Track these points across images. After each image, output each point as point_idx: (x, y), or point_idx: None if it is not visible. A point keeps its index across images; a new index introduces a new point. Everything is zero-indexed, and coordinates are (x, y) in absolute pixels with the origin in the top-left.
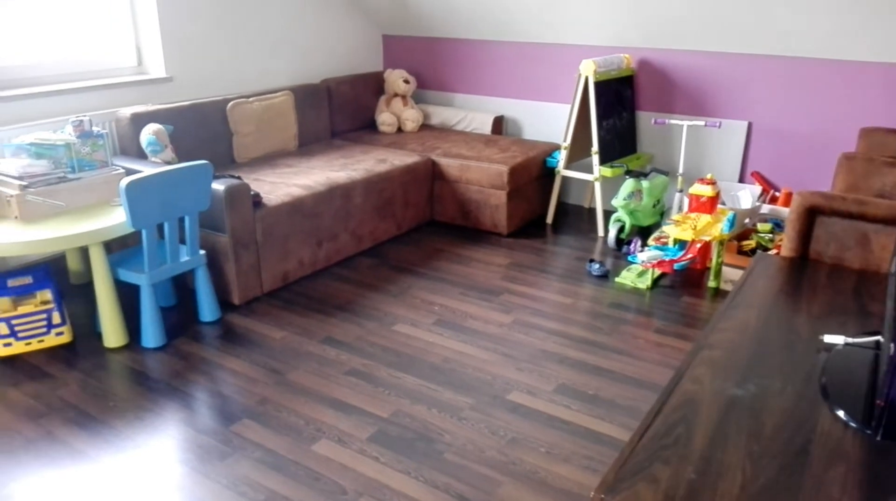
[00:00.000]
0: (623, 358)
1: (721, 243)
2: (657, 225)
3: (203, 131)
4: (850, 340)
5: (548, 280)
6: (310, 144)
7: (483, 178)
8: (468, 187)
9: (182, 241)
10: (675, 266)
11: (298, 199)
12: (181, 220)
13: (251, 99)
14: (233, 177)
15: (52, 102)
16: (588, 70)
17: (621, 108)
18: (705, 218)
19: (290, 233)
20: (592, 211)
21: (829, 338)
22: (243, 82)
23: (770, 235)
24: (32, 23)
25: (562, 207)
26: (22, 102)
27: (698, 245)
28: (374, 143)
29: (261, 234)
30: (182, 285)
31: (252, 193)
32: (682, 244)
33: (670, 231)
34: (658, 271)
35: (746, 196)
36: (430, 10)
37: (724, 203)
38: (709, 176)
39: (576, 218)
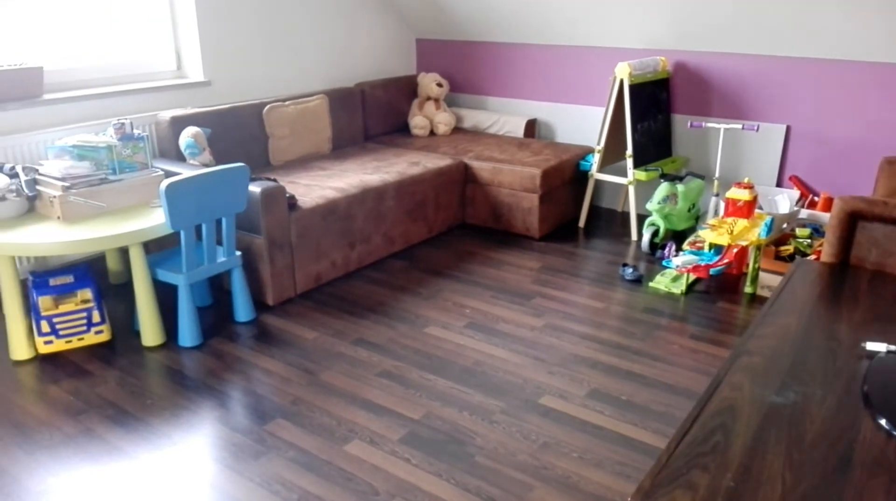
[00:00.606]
0: (657, 364)
1: (758, 248)
2: (692, 229)
3: (240, 134)
4: (892, 347)
5: (580, 284)
6: (343, 147)
7: (515, 181)
8: (500, 190)
9: (219, 242)
10: (711, 271)
11: (332, 201)
12: (218, 221)
13: (287, 103)
14: (269, 179)
15: (95, 105)
16: (623, 73)
17: (656, 111)
18: (742, 223)
19: (324, 235)
20: (626, 215)
21: (871, 345)
22: (279, 86)
23: (808, 240)
24: (76, 28)
25: (594, 210)
26: (66, 105)
27: (735, 250)
28: (406, 146)
29: (295, 236)
30: (218, 286)
31: (287, 195)
32: (717, 249)
33: (706, 236)
34: (693, 277)
35: (784, 201)
36: (464, 14)
37: (761, 208)
38: (746, 180)
39: (608, 222)
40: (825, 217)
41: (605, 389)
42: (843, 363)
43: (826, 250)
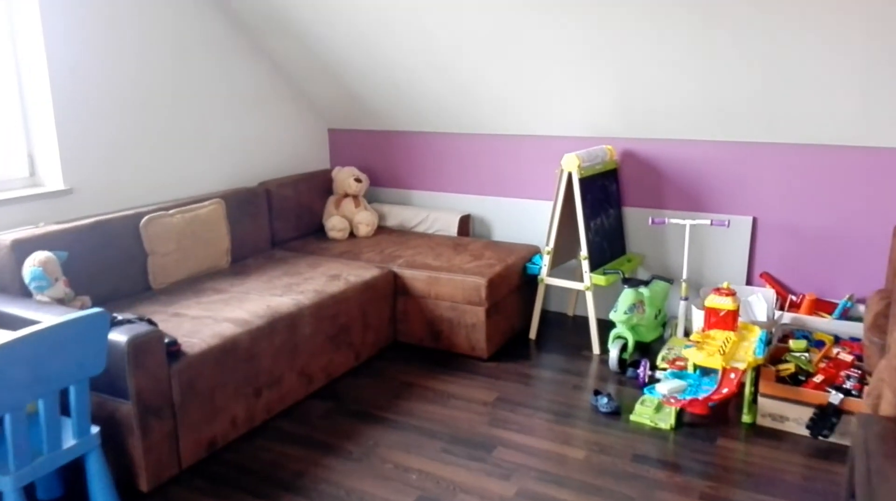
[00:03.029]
0: None
1: (755, 369)
2: (660, 339)
3: (109, 255)
4: None
5: (548, 423)
6: (246, 258)
7: (456, 292)
8: (438, 304)
9: (67, 412)
10: (710, 405)
11: (230, 340)
12: (65, 389)
13: (171, 211)
14: (141, 320)
15: None
16: (571, 165)
17: (608, 205)
18: (729, 337)
19: (219, 385)
20: (577, 320)
21: None
22: (162, 191)
23: (806, 354)
24: None
25: (542, 315)
26: None
27: (732, 375)
28: (323, 253)
29: (178, 393)
30: (72, 467)
31: (166, 340)
32: (703, 370)
33: (692, 356)
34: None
35: (760, 302)
36: (383, 102)
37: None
38: (725, 285)
39: (561, 330)
40: (814, 322)
41: None
42: None
43: (891, 400)
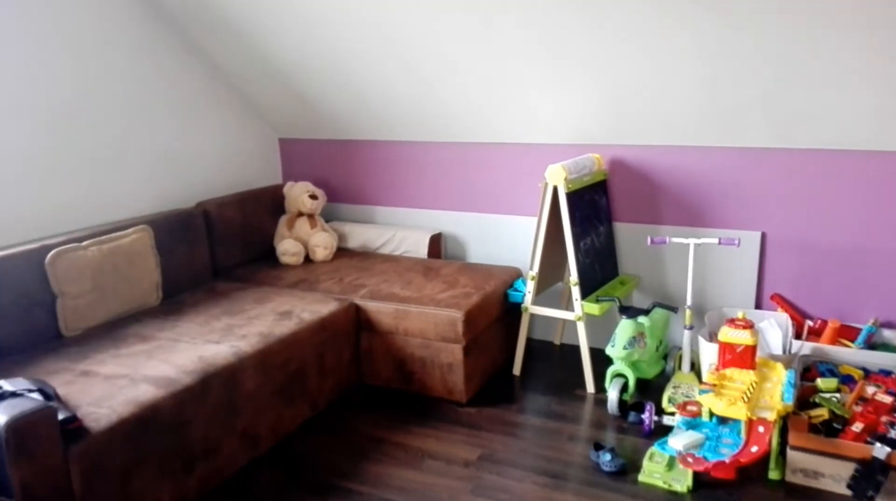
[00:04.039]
0: None
1: (784, 417)
2: (662, 373)
3: (8, 299)
4: None
5: (543, 489)
6: (181, 292)
7: (429, 327)
8: (408, 341)
9: None
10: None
11: (149, 407)
12: None
13: (85, 243)
14: (30, 391)
15: None
16: (557, 178)
17: (598, 221)
18: (753, 380)
19: (136, 464)
20: (566, 350)
21: None
22: (73, 218)
23: (837, 395)
24: None
25: (526, 345)
26: None
27: (761, 428)
28: (273, 283)
29: (80, 482)
30: None
31: (62, 417)
32: (720, 417)
33: (710, 404)
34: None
35: (773, 329)
36: (341, 108)
37: None
38: (741, 315)
39: (547, 363)
40: (839, 353)
41: None
42: None
43: None
